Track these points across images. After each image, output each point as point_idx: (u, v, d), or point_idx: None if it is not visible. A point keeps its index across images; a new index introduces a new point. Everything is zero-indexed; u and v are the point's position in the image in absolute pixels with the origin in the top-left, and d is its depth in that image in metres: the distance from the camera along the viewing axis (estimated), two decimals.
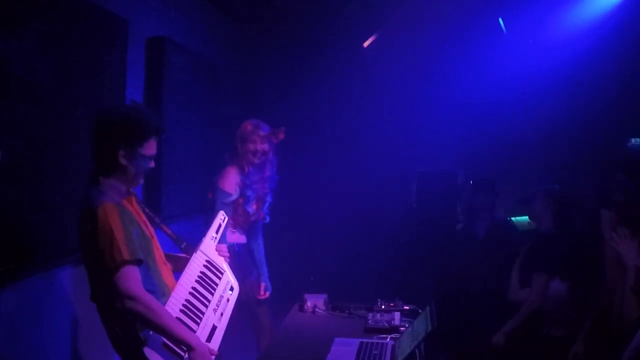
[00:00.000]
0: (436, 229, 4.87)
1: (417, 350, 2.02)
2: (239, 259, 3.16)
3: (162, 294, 1.95)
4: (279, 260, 3.77)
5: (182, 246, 2.18)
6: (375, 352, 2.17)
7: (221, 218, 2.24)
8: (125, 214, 1.89)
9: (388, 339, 2.31)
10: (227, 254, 2.23)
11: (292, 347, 2.37)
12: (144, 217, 2.08)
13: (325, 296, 2.85)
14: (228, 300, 2.11)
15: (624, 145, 4.45)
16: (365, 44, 5.26)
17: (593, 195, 3.57)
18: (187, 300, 1.93)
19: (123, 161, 1.90)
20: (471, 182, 5.06)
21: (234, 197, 3.12)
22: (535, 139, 5.30)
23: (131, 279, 1.78)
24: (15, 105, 2.10)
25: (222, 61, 4.43)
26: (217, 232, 2.19)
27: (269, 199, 3.31)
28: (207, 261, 2.09)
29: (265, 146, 3.16)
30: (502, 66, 5.12)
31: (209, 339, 1.93)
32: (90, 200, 1.86)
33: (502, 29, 5.02)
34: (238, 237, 3.28)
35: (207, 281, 2.05)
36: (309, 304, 2.80)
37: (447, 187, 5.19)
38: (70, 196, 2.45)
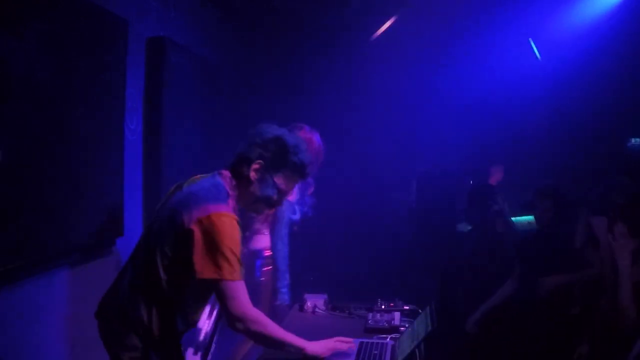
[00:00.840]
0: (436, 229, 4.88)
1: (417, 350, 2.02)
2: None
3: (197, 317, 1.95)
4: None
5: None
6: (375, 352, 2.16)
7: None
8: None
9: (388, 339, 2.30)
10: None
11: None
12: None
13: (325, 296, 2.85)
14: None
15: (624, 146, 4.46)
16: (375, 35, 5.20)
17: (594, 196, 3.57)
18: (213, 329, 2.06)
19: (253, 175, 1.83)
20: (471, 182, 5.08)
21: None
22: (536, 139, 5.31)
23: (242, 295, 1.73)
24: (15, 105, 2.10)
25: (222, 61, 4.43)
26: None
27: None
28: None
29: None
30: (503, 66, 5.13)
31: None
32: (218, 198, 1.76)
33: (535, 54, 5.03)
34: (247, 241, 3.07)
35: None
36: (309, 304, 2.80)
37: (447, 187, 5.19)
38: (71, 196, 2.45)
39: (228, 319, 1.72)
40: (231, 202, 1.82)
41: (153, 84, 3.27)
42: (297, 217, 3.08)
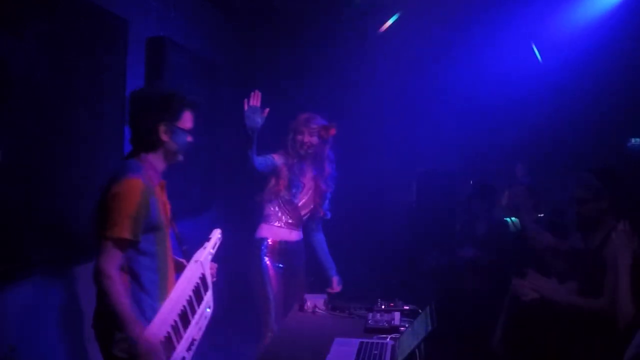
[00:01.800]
0: (436, 229, 4.87)
1: (417, 350, 2.02)
2: (287, 257, 3.17)
3: (162, 286, 1.98)
4: None
5: (183, 249, 2.19)
6: (375, 352, 2.16)
7: (218, 236, 2.27)
8: (150, 198, 1.91)
9: (388, 339, 2.30)
10: (215, 274, 2.25)
11: (292, 347, 2.37)
12: (168, 210, 2.11)
13: (325, 296, 2.85)
14: (206, 317, 2.13)
15: (624, 145, 4.46)
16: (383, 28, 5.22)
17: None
18: (183, 306, 1.95)
19: (164, 137, 1.95)
20: (472, 181, 5.08)
21: (275, 162, 3.12)
22: (536, 139, 5.31)
23: (115, 257, 1.82)
24: (15, 105, 2.10)
25: (222, 61, 4.43)
26: (213, 248, 2.21)
27: (328, 195, 3.31)
28: (202, 274, 2.11)
29: (314, 139, 3.16)
30: (503, 66, 5.13)
31: (189, 349, 1.95)
32: (125, 170, 1.89)
33: (537, 57, 5.06)
34: (286, 234, 3.20)
35: (199, 293, 2.08)
36: (309, 304, 2.80)
37: (447, 187, 5.19)
38: (70, 196, 2.45)
39: (94, 273, 1.81)
40: (145, 170, 1.93)
41: (153, 84, 3.27)
42: (329, 216, 3.38)
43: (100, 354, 1.92)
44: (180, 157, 2.06)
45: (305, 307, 2.80)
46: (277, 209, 3.18)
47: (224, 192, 4.56)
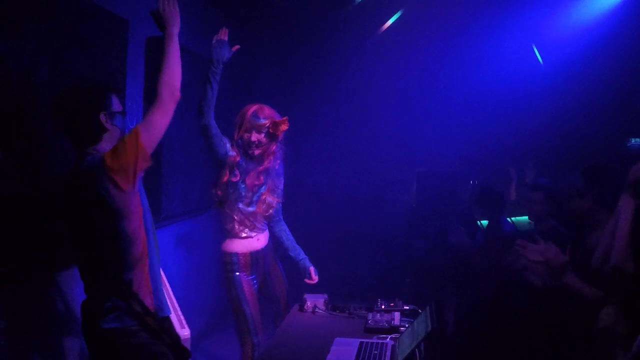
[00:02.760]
0: (436, 229, 4.87)
1: (417, 350, 2.02)
2: (258, 265, 2.92)
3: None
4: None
5: None
6: (375, 352, 2.17)
7: None
8: None
9: (388, 339, 2.31)
10: None
11: (292, 347, 2.37)
12: None
13: (325, 296, 2.85)
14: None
15: (624, 145, 4.46)
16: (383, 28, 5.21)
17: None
18: None
19: (107, 124, 2.04)
20: (472, 182, 5.07)
21: (228, 148, 2.78)
22: (536, 138, 5.31)
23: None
24: (15, 105, 2.11)
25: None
26: None
27: (280, 186, 2.95)
28: None
29: (261, 137, 2.76)
30: (503, 66, 5.13)
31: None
32: (90, 158, 1.96)
33: (538, 59, 5.05)
34: (255, 243, 2.91)
35: None
36: (309, 304, 2.80)
37: (447, 187, 5.19)
38: None
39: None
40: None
41: (153, 84, 3.26)
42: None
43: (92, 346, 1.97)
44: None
45: (305, 307, 2.80)
46: (237, 223, 2.86)
47: None
